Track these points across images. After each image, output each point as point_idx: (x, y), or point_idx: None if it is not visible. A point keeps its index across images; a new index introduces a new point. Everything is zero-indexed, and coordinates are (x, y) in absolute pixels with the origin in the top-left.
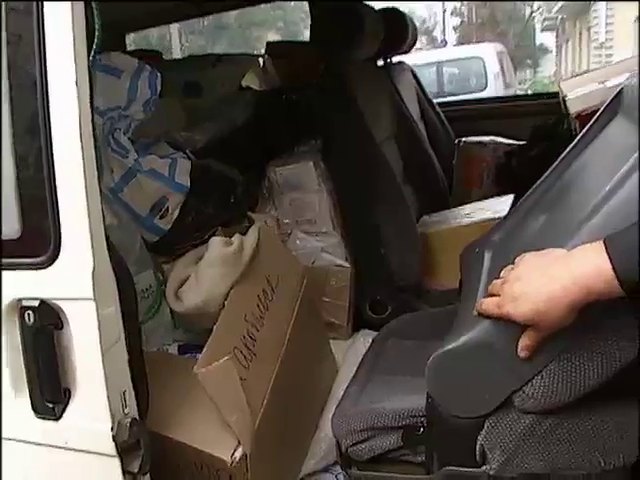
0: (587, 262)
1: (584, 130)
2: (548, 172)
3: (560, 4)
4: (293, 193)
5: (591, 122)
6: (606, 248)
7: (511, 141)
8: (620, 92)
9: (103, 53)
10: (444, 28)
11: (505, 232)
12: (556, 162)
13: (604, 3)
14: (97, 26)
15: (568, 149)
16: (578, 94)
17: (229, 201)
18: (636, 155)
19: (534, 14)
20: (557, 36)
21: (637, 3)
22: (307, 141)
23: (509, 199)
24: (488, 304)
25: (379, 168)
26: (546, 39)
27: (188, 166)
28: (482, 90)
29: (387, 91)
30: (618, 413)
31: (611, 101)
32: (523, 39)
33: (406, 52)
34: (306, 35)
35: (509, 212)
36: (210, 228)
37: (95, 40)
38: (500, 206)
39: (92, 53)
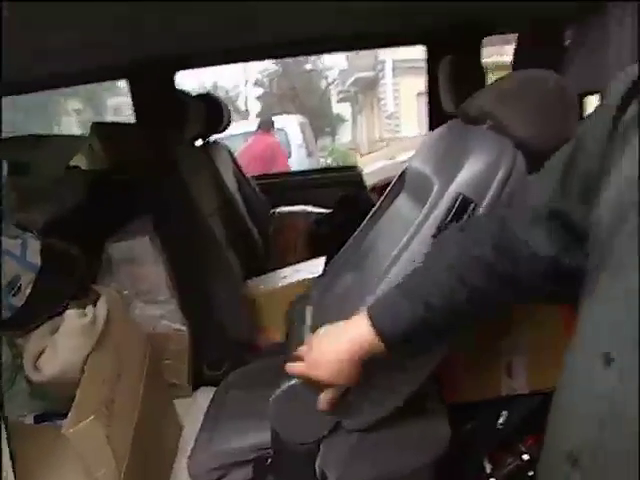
0: (358, 327)
1: (379, 202)
2: (353, 237)
3: (352, 79)
4: (130, 266)
5: (384, 196)
6: (368, 314)
7: (320, 210)
8: (404, 172)
9: None
10: (247, 99)
11: (321, 289)
12: (359, 228)
13: (390, 78)
14: None
15: (368, 217)
16: (373, 168)
17: (74, 276)
18: (413, 228)
19: (330, 86)
20: (352, 107)
21: (421, 79)
22: (141, 216)
23: (321, 261)
24: (296, 369)
25: (207, 239)
26: (342, 109)
27: (38, 246)
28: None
29: (208, 169)
30: (421, 419)
31: (398, 179)
32: (321, 109)
33: (222, 132)
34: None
35: (323, 272)
36: (60, 302)
37: None
38: (314, 268)
39: None
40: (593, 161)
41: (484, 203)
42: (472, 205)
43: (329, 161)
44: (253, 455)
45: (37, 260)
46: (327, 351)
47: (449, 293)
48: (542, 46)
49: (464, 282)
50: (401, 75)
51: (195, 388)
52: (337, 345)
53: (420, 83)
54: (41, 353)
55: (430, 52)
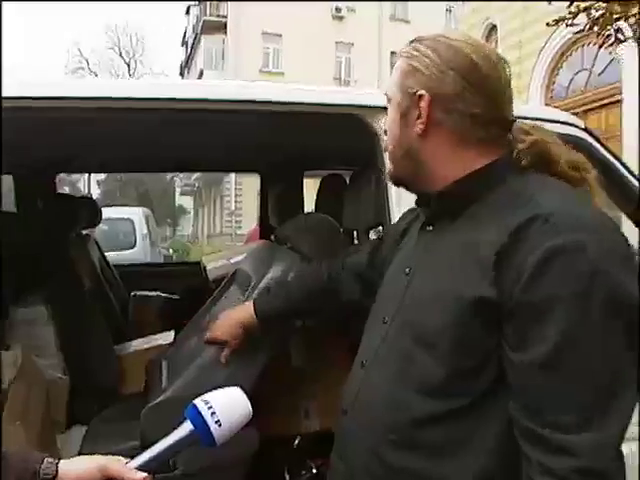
0: (247, 307)
1: (218, 289)
2: (199, 312)
3: (197, 173)
4: (28, 327)
5: (221, 285)
6: (253, 301)
7: (170, 295)
8: (236, 271)
9: None
10: (89, 181)
11: (174, 349)
12: (204, 306)
13: (234, 177)
14: None
15: (209, 300)
16: (214, 266)
17: None
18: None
19: (175, 178)
20: (195, 200)
21: (259, 178)
22: (39, 288)
23: (171, 333)
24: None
25: (87, 309)
26: (185, 201)
27: None
28: (131, 248)
29: (85, 255)
30: None
31: (232, 275)
32: (164, 199)
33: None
34: None
35: (175, 338)
36: None
37: None
38: (167, 337)
39: None
40: (388, 249)
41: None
42: None
43: (170, 252)
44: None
45: None
46: (225, 318)
47: (300, 296)
48: (333, 195)
49: (309, 291)
50: (245, 174)
51: (68, 426)
52: (232, 315)
53: None
54: None
55: (262, 180)
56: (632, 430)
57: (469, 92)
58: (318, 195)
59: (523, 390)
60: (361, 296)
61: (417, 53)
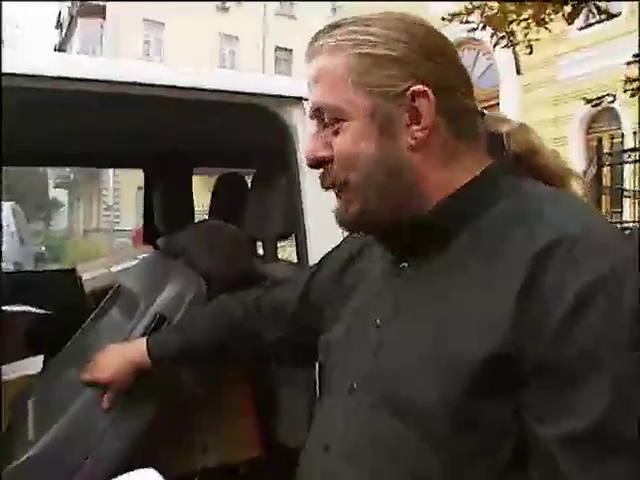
0: (140, 343)
1: (98, 308)
2: (74, 338)
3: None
4: None
5: (102, 304)
6: (147, 340)
7: (39, 310)
8: (118, 287)
9: None
10: None
11: (44, 384)
12: (80, 330)
13: (112, 170)
14: None
15: (87, 321)
16: (91, 276)
17: None
18: (124, 335)
19: (48, 170)
20: (70, 193)
21: (141, 172)
22: None
23: (39, 359)
24: (85, 376)
25: None
26: (59, 194)
27: None
28: None
29: None
30: None
31: (113, 292)
32: (36, 192)
33: None
34: None
35: (46, 367)
36: None
37: None
38: (33, 365)
39: None
40: (328, 284)
41: (175, 319)
42: (167, 321)
43: (43, 249)
44: None
45: None
46: (110, 356)
47: (207, 338)
48: (231, 197)
49: (218, 330)
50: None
51: None
52: (118, 352)
53: (141, 178)
54: None
55: (146, 175)
56: None
57: (456, 78)
58: (214, 196)
59: (550, 475)
60: (290, 338)
61: (375, 38)
